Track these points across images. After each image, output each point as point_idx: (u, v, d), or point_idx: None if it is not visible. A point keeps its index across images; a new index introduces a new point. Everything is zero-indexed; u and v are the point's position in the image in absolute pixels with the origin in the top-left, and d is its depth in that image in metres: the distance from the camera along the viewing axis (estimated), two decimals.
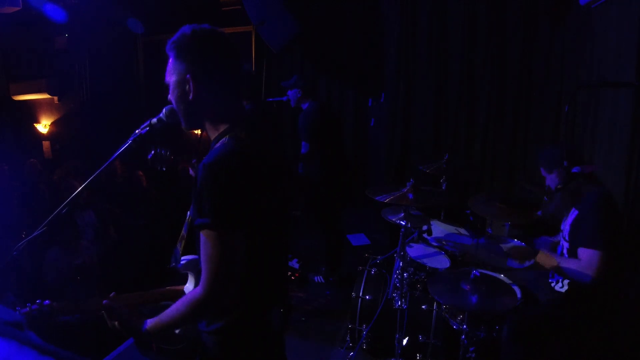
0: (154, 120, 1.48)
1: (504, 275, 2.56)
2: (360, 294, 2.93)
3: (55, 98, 7.83)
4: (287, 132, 5.78)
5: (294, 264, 4.23)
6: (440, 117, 5.07)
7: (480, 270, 2.22)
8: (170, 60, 1.32)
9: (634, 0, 2.95)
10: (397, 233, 2.81)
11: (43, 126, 8.09)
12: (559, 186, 2.30)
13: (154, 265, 3.99)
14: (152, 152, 2.32)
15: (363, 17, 5.46)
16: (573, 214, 2.28)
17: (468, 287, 2.19)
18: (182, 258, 1.45)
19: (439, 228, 3.32)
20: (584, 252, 2.10)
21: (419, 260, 2.88)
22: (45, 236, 1.42)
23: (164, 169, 2.38)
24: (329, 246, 4.02)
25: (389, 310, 2.76)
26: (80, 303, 1.46)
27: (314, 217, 4.05)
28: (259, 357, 1.39)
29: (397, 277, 2.79)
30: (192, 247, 1.38)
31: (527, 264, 2.45)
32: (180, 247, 1.44)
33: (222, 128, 1.32)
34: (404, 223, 2.73)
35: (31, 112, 8.04)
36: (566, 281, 2.31)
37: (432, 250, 3.00)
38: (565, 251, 2.34)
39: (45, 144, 8.03)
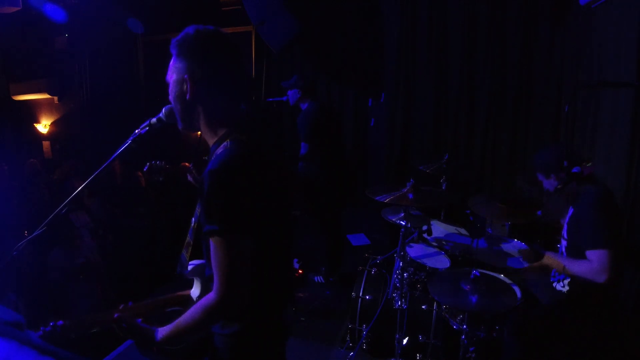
0: (154, 120, 1.47)
1: (504, 275, 2.56)
2: (360, 294, 2.93)
3: (55, 98, 7.83)
4: (287, 132, 5.78)
5: (294, 263, 4.23)
6: (440, 117, 5.07)
7: (480, 270, 2.23)
8: (172, 59, 1.32)
9: (634, 0, 2.95)
10: (397, 233, 2.81)
11: (43, 126, 8.09)
12: (558, 186, 2.30)
13: (154, 264, 3.99)
14: (147, 164, 2.31)
15: (363, 17, 5.46)
16: (569, 212, 2.29)
17: (468, 287, 2.19)
18: (189, 263, 1.45)
19: (439, 228, 3.32)
20: (592, 254, 2.08)
21: (419, 260, 2.88)
22: (46, 236, 1.42)
23: (161, 179, 2.38)
24: (329, 246, 4.02)
25: (389, 310, 2.76)
26: (91, 318, 1.46)
27: (314, 217, 4.05)
28: (272, 358, 1.40)
29: (397, 277, 2.79)
30: (196, 252, 1.38)
31: (526, 264, 2.46)
32: (186, 253, 1.44)
33: (221, 132, 1.31)
34: (404, 223, 2.73)
35: (31, 112, 8.04)
36: (567, 280, 2.31)
37: (432, 250, 3.00)
38: (563, 249, 2.34)
39: (45, 144, 8.03)
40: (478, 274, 2.19)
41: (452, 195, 3.39)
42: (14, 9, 4.31)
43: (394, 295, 2.76)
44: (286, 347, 1.54)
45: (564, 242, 2.34)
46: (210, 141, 1.34)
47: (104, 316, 1.43)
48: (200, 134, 1.38)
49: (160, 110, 1.46)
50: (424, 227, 2.92)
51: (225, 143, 1.27)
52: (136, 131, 1.48)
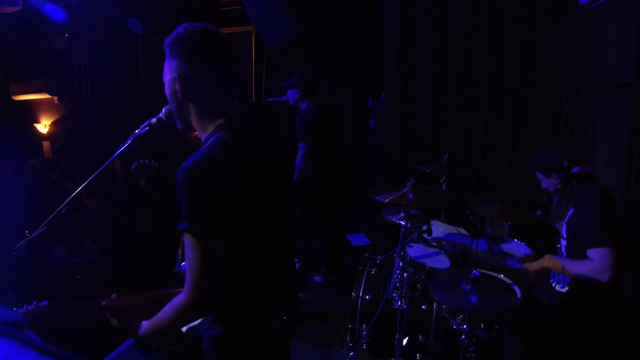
0: (154, 120, 1.47)
1: (504, 275, 2.56)
2: (360, 294, 2.93)
3: (55, 98, 7.83)
4: (287, 132, 5.78)
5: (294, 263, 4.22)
6: (440, 117, 5.07)
7: (480, 270, 2.23)
8: (165, 59, 1.31)
9: (634, 0, 2.95)
10: (397, 233, 2.81)
11: (43, 126, 8.09)
12: (558, 186, 2.30)
13: (154, 264, 3.99)
14: (135, 162, 2.29)
15: (363, 16, 5.46)
16: (569, 211, 2.29)
17: (468, 287, 2.19)
18: (183, 264, 1.45)
19: (439, 228, 3.32)
20: (594, 253, 2.07)
21: (419, 260, 2.88)
22: (46, 235, 1.42)
23: (151, 176, 2.35)
24: (328, 246, 4.02)
25: (389, 310, 2.76)
26: (78, 303, 1.46)
27: (314, 217, 4.05)
28: None
29: (397, 277, 2.79)
30: None
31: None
32: (180, 252, 1.44)
33: (210, 129, 1.29)
34: (404, 223, 2.73)
35: (31, 112, 8.04)
36: (567, 280, 2.31)
37: (432, 250, 3.01)
38: (563, 249, 2.34)
39: (45, 144, 8.03)
40: (478, 274, 2.19)
41: (452, 195, 3.39)
42: (14, 9, 4.31)
43: (394, 295, 2.76)
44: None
45: (563, 242, 2.34)
46: (202, 136, 1.32)
47: (92, 304, 1.42)
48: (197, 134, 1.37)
49: (160, 110, 1.46)
50: (424, 227, 2.92)
51: (211, 139, 1.25)
52: (136, 131, 1.48)
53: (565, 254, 2.32)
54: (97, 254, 3.87)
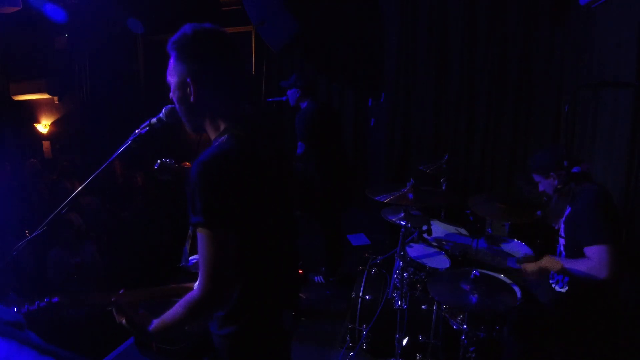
0: (154, 120, 1.48)
1: (504, 275, 2.56)
2: (360, 294, 2.93)
3: (55, 98, 7.84)
4: (287, 132, 5.77)
5: None
6: (440, 117, 5.07)
7: (480, 270, 2.23)
8: (171, 61, 1.30)
9: (634, 0, 2.95)
10: (397, 233, 2.81)
11: (43, 126, 8.10)
12: (558, 186, 2.30)
13: (154, 263, 3.99)
14: (158, 162, 2.25)
15: (363, 16, 5.46)
16: (567, 210, 2.29)
17: (468, 287, 2.19)
18: (191, 258, 1.45)
19: (439, 228, 3.32)
20: (591, 250, 2.07)
21: (419, 260, 2.88)
22: (46, 235, 1.42)
23: (169, 177, 2.29)
24: (329, 246, 4.02)
25: (389, 310, 2.76)
26: (87, 296, 1.45)
27: (314, 217, 4.05)
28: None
29: (397, 277, 2.79)
30: None
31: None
32: (187, 246, 1.44)
33: (222, 127, 1.31)
34: (404, 223, 2.73)
35: (31, 112, 8.04)
36: (566, 280, 2.31)
37: (432, 250, 3.01)
38: (562, 248, 2.34)
39: (45, 144, 8.04)
40: (478, 274, 2.19)
41: (452, 195, 3.40)
42: (14, 9, 4.31)
43: (394, 295, 2.76)
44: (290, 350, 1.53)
45: (562, 241, 2.34)
46: (213, 137, 1.33)
47: (101, 297, 1.41)
48: (202, 134, 1.37)
49: (160, 110, 1.46)
50: (424, 227, 2.92)
51: (222, 137, 1.26)
52: (136, 131, 1.49)
53: (564, 253, 2.32)
54: (96, 254, 3.87)
